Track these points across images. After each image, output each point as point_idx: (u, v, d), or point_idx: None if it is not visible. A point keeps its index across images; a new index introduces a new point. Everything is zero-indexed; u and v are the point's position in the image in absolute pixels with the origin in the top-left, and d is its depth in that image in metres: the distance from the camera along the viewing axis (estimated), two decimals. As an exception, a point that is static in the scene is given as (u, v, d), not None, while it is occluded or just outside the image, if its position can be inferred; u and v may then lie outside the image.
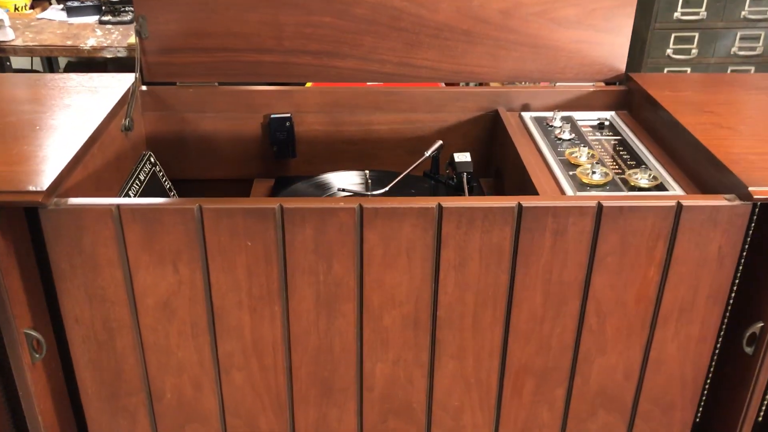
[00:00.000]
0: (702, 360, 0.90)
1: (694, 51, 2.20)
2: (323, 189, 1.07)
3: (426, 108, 1.14)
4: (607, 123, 1.11)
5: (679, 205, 0.80)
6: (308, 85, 1.25)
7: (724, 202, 0.81)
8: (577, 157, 0.97)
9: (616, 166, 0.98)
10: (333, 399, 0.91)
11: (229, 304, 0.84)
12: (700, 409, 0.95)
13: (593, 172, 0.92)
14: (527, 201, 0.80)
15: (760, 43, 2.21)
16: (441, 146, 1.11)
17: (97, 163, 0.94)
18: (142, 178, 1.08)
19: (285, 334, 0.86)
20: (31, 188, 0.77)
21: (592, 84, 1.17)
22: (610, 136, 1.08)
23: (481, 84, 1.48)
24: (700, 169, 0.91)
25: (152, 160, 1.13)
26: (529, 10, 1.10)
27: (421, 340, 0.87)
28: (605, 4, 1.10)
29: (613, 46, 1.14)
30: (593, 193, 0.89)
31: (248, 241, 0.81)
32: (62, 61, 2.46)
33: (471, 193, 1.10)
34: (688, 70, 2.22)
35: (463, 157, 1.11)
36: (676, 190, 0.90)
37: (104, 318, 0.84)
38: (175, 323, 0.85)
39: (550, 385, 0.91)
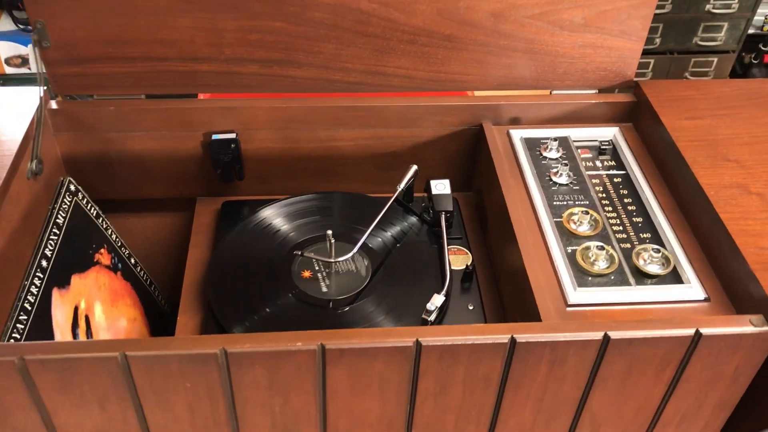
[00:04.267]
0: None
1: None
2: (275, 238, 0.91)
3: (398, 123, 0.96)
4: (608, 147, 0.95)
5: (698, 334, 0.68)
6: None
7: (750, 329, 0.69)
8: (576, 224, 0.82)
9: (620, 228, 0.84)
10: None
11: (170, 438, 0.72)
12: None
13: (596, 259, 0.78)
14: (522, 334, 0.67)
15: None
16: (416, 173, 0.95)
17: (5, 228, 0.77)
18: (60, 221, 0.90)
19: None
20: None
21: (594, 92, 0.99)
22: (612, 168, 0.92)
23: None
24: (721, 251, 0.78)
25: (72, 188, 0.94)
26: (525, 12, 0.90)
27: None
28: (619, 4, 0.90)
29: (623, 51, 0.95)
30: (595, 290, 0.76)
31: (187, 383, 0.67)
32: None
33: (449, 235, 0.95)
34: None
35: (441, 187, 0.95)
36: (691, 284, 0.77)
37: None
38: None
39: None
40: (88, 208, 0.97)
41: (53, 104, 0.92)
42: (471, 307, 0.87)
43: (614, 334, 0.67)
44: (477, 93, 1.04)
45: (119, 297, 1.00)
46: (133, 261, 1.05)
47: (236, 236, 0.91)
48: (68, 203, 0.93)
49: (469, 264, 0.90)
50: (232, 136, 0.94)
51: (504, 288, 0.88)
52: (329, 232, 0.85)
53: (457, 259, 0.93)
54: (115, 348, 0.64)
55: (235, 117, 0.94)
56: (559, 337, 0.67)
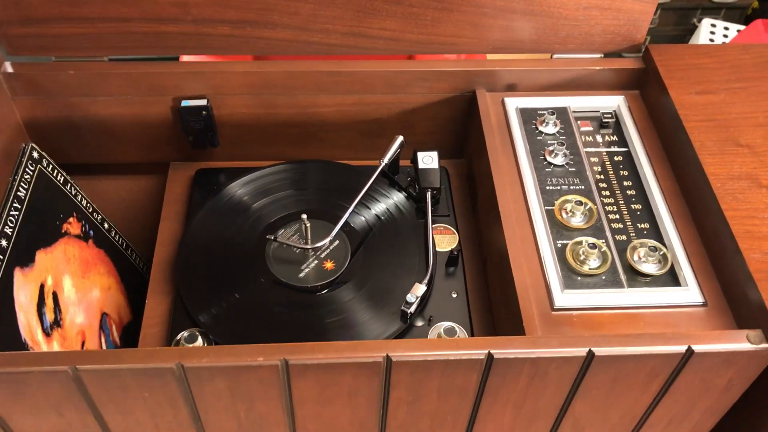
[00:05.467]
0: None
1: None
2: (247, 216, 0.86)
3: (384, 89, 0.88)
4: (611, 119, 0.87)
5: (690, 351, 0.64)
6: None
7: (746, 346, 0.64)
8: (568, 214, 0.76)
9: (617, 217, 0.78)
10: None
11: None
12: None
13: (587, 258, 0.72)
14: (500, 349, 0.62)
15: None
16: (402, 144, 0.88)
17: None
18: (21, 194, 0.85)
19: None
20: None
21: (598, 56, 0.90)
22: (614, 144, 0.85)
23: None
24: (723, 250, 0.72)
25: (35, 155, 0.88)
26: (526, -29, 0.80)
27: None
28: (631, -37, 0.80)
29: (633, 14, 0.85)
30: (583, 293, 0.71)
31: (145, 393, 0.64)
32: None
33: (437, 211, 0.90)
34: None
35: (428, 161, 0.89)
36: (688, 286, 0.71)
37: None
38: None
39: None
40: (54, 175, 0.91)
41: (8, 67, 0.84)
42: (455, 295, 0.82)
43: (599, 351, 0.63)
44: (470, 56, 0.96)
45: (91, 267, 0.96)
46: (106, 226, 1.01)
47: (205, 216, 0.85)
48: (31, 172, 0.88)
49: (454, 248, 0.85)
50: (203, 102, 0.87)
51: (490, 274, 0.83)
52: (304, 216, 0.80)
53: (443, 240, 0.87)
54: (65, 361, 0.60)
55: (206, 81, 0.86)
56: (540, 353, 0.63)
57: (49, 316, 0.86)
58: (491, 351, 0.62)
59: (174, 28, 0.83)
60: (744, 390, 0.70)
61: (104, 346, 0.95)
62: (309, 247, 0.80)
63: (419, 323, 0.79)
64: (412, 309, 0.77)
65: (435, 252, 0.84)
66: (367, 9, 0.82)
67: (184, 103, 0.87)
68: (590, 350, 0.63)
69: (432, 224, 0.88)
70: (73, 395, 0.63)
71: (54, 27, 0.82)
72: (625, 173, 0.82)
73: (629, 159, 0.84)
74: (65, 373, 0.60)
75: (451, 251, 0.84)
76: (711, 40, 1.79)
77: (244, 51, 0.86)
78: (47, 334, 0.85)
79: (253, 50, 0.86)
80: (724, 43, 1.77)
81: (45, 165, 0.90)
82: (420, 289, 0.78)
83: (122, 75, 0.85)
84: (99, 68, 0.85)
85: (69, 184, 0.94)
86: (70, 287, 0.91)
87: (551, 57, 0.90)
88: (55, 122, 0.89)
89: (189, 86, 0.86)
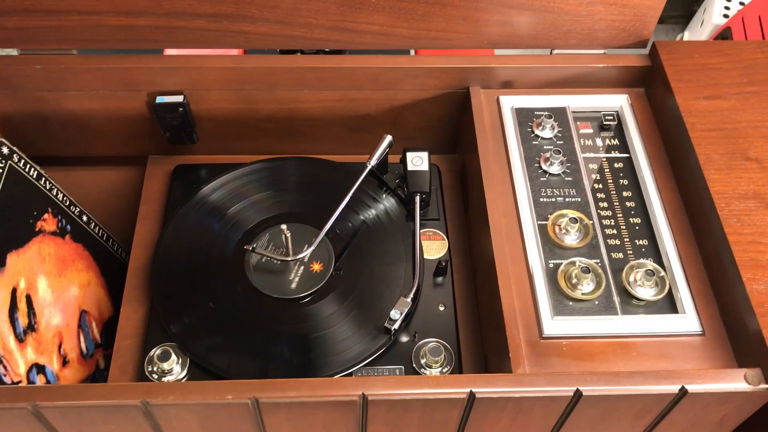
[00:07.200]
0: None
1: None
2: (225, 221, 0.82)
3: (372, 86, 0.83)
4: (612, 122, 0.82)
5: (683, 390, 0.60)
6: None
7: (743, 387, 0.60)
8: (562, 231, 0.72)
9: (614, 233, 0.73)
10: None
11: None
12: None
13: (580, 282, 0.68)
14: (482, 388, 0.59)
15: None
16: (391, 144, 0.83)
17: None
18: (-9, 193, 0.81)
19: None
20: None
21: (601, 52, 0.84)
22: (614, 149, 0.80)
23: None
24: (724, 277, 0.68)
25: (5, 150, 0.84)
26: (524, -36, 0.74)
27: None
28: (639, -44, 0.74)
29: (640, 9, 0.79)
30: (574, 320, 0.67)
31: (111, 425, 0.61)
32: None
33: (426, 215, 0.85)
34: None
35: (418, 162, 0.84)
36: (686, 314, 0.68)
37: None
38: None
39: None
40: (27, 170, 0.87)
41: (-30, 61, 0.79)
42: (442, 308, 0.78)
43: (587, 390, 0.60)
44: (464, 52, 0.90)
45: (68, 264, 0.93)
46: (85, 218, 0.97)
47: (180, 220, 0.81)
48: (0, 169, 0.84)
49: (443, 258, 0.81)
50: (180, 99, 0.82)
51: (479, 286, 0.80)
52: (283, 226, 0.76)
53: (432, 246, 0.83)
54: (24, 398, 0.57)
55: (183, 76, 0.81)
56: (524, 393, 0.59)
57: (23, 321, 0.83)
58: (473, 390, 0.59)
59: (146, 22, 0.77)
60: (739, 424, 0.67)
61: (84, 346, 0.92)
62: (290, 259, 0.76)
63: (404, 339, 0.76)
64: (396, 326, 0.74)
65: (423, 262, 0.80)
66: (353, 2, 0.77)
67: (159, 99, 0.82)
68: (578, 389, 0.60)
69: (421, 229, 0.84)
70: (36, 428, 0.60)
71: (17, 19, 0.77)
72: (625, 182, 0.78)
73: (630, 166, 0.79)
74: (25, 410, 0.58)
75: (439, 261, 0.80)
76: (726, 8, 1.71)
77: (222, 45, 0.80)
78: (20, 340, 0.82)
79: (232, 45, 0.80)
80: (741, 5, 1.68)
81: (16, 161, 0.86)
82: (405, 304, 0.75)
83: (92, 70, 0.80)
84: (67, 62, 0.80)
85: (43, 179, 0.90)
86: (45, 288, 0.88)
87: (551, 53, 0.84)
88: (24, 116, 0.85)
89: (164, 81, 0.81)
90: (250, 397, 0.58)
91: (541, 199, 0.75)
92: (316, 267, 0.79)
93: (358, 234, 0.82)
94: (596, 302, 0.68)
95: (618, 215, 0.75)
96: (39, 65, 0.79)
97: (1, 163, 0.84)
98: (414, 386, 0.59)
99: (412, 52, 1.14)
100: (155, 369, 0.73)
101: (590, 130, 0.82)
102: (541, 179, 0.77)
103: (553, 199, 0.75)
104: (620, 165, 0.79)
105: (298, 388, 0.59)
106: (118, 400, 0.58)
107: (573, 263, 0.70)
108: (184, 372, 0.73)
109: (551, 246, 0.72)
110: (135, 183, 0.99)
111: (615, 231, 0.74)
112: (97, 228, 0.99)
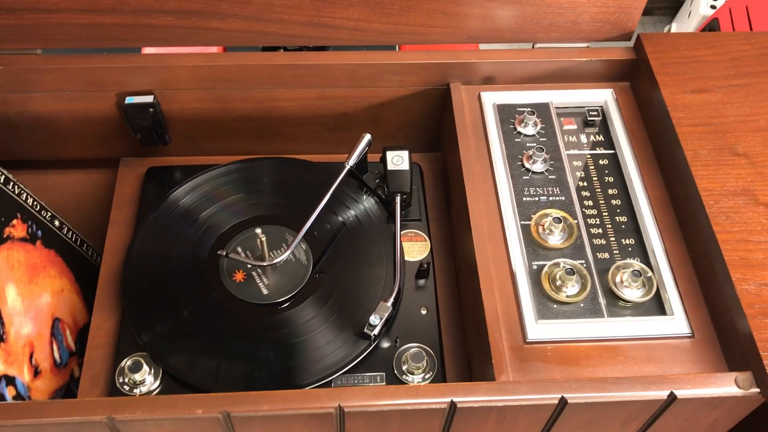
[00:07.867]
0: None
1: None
2: (198, 225, 0.79)
3: (349, 83, 0.80)
4: (597, 117, 0.80)
5: (672, 396, 0.58)
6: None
7: (734, 391, 0.58)
8: (546, 231, 0.70)
9: (600, 232, 0.71)
10: None
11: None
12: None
13: (564, 284, 0.66)
14: (463, 397, 0.57)
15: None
16: (370, 143, 0.81)
17: None
18: (-47, 202, 0.78)
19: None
20: None
21: (584, 45, 0.82)
22: (599, 145, 0.78)
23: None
24: (713, 276, 0.66)
25: (-31, 156, 0.81)
26: (504, -45, 0.71)
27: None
28: (622, -54, 0.71)
29: (623, 1, 0.77)
30: (559, 323, 0.65)
31: (77, 443, 0.58)
32: None
33: (408, 215, 0.83)
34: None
35: (398, 161, 0.81)
36: (674, 315, 0.65)
37: None
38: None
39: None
40: (-6, 176, 0.84)
41: (-71, 63, 0.76)
42: (424, 312, 0.76)
43: (572, 398, 0.57)
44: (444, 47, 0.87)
45: (40, 270, 0.90)
46: (57, 223, 0.94)
47: (152, 226, 0.79)
48: (-36, 177, 0.80)
49: (424, 260, 0.79)
50: (150, 99, 0.79)
51: (462, 287, 0.77)
52: (258, 230, 0.73)
53: (414, 248, 0.81)
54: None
55: (152, 76, 0.78)
56: (507, 401, 0.57)
57: (-10, 332, 0.81)
58: (454, 399, 0.57)
59: (112, 19, 0.74)
60: (730, 427, 0.65)
61: (57, 355, 0.89)
62: (265, 264, 0.74)
63: (385, 344, 0.74)
64: (376, 332, 0.71)
65: (403, 264, 0.77)
66: (327, -3, 0.74)
67: (129, 99, 0.79)
68: (563, 397, 0.57)
69: (402, 230, 0.81)
70: (-3, 448, 0.58)
71: (-24, 18, 0.74)
72: (611, 179, 0.75)
73: (615, 162, 0.77)
74: (-16, 430, 0.55)
75: (421, 263, 0.78)
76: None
77: (192, 43, 0.77)
78: (-12, 351, 0.79)
79: (203, 42, 0.77)
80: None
81: (-19, 166, 0.83)
82: (385, 308, 0.72)
83: (57, 70, 0.77)
84: (31, 62, 0.77)
85: (11, 183, 0.87)
86: (15, 296, 0.85)
87: (533, 47, 0.81)
88: (-12, 119, 0.82)
89: (133, 81, 0.78)
90: (221, 411, 0.55)
91: (524, 199, 0.73)
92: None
93: (337, 236, 0.80)
94: (581, 305, 0.66)
95: (603, 214, 0.73)
96: (1, 66, 0.76)
97: (-36, 169, 0.81)
98: (392, 397, 0.57)
99: (397, 48, 1.11)
100: (126, 380, 0.70)
101: (574, 126, 0.80)
102: (524, 178, 0.74)
103: (537, 198, 0.73)
104: (605, 162, 0.77)
105: (271, 401, 0.56)
106: (81, 417, 0.55)
107: (557, 264, 0.67)
108: (157, 383, 0.70)
109: (535, 247, 0.69)
110: (108, 186, 0.96)
111: (600, 230, 0.71)
112: (71, 233, 0.96)
